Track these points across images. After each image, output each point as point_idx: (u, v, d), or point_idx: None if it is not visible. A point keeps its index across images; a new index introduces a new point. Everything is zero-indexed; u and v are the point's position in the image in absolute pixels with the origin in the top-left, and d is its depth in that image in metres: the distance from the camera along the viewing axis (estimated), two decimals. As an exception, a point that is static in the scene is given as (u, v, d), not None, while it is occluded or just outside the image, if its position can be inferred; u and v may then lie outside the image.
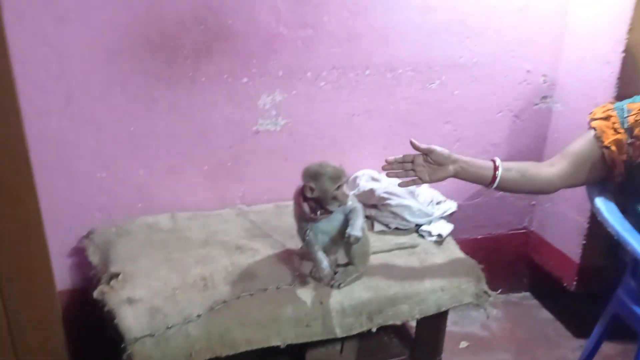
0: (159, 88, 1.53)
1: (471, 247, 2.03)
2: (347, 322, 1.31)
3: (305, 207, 1.26)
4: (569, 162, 1.39)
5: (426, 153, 1.30)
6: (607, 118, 1.40)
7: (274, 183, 1.76)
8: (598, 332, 1.59)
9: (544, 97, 1.92)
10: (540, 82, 1.90)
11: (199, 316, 1.21)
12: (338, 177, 1.24)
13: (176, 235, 1.52)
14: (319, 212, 1.26)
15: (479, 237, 2.08)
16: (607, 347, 1.81)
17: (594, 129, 1.40)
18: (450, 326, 1.93)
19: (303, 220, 1.28)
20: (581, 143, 1.40)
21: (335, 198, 1.23)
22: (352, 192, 1.63)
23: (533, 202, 2.07)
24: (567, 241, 1.92)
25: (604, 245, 1.82)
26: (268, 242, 1.50)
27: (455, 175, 1.32)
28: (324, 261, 1.29)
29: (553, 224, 2.00)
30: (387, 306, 1.34)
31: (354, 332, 1.31)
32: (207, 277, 1.34)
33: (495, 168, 1.34)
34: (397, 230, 1.58)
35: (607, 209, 1.40)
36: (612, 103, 1.44)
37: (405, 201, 1.59)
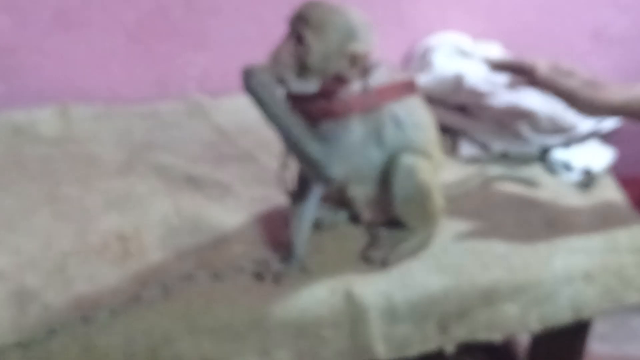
0: None
1: None
2: (400, 334, 1.28)
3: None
4: None
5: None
6: None
7: (265, 53, 1.67)
8: None
9: None
10: None
11: (112, 311, 1.20)
12: (354, 32, 1.18)
13: (70, 149, 1.57)
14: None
15: None
16: None
17: None
18: (594, 343, 1.93)
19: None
20: None
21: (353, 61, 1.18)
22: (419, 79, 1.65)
23: None
24: None
25: None
26: (250, 170, 1.54)
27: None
28: (301, 235, 1.30)
29: None
30: (477, 306, 1.31)
31: (412, 353, 1.29)
32: (129, 236, 1.35)
33: None
34: (504, 158, 1.61)
35: None
36: None
37: (522, 99, 1.59)
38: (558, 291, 1.34)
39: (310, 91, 1.20)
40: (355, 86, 1.20)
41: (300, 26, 1.17)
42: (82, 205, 1.41)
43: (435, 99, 1.63)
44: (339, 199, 1.33)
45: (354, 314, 1.25)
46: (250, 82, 1.19)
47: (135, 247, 1.33)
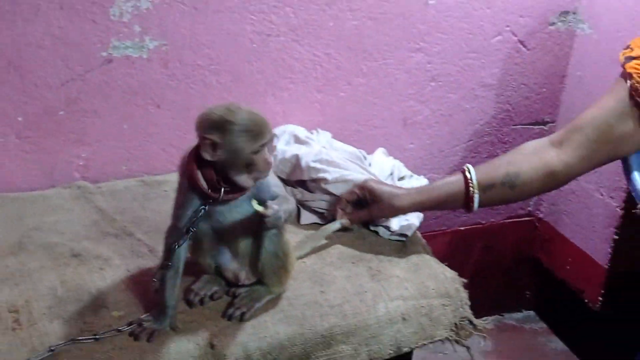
0: None
1: (450, 245, 2.13)
2: None
3: (200, 177, 1.22)
4: (585, 138, 1.42)
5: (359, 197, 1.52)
6: None
7: (137, 145, 1.74)
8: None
9: (564, 13, 1.98)
10: (558, -11, 1.95)
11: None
12: (259, 131, 1.20)
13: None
14: (222, 190, 1.22)
15: (462, 228, 2.15)
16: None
17: (630, 76, 1.40)
18: None
19: (192, 199, 1.24)
20: (605, 105, 1.42)
21: (251, 165, 1.20)
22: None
23: (543, 176, 2.13)
24: (591, 235, 2.02)
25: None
26: (126, 244, 1.51)
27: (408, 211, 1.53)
28: (171, 299, 1.28)
29: (571, 209, 2.09)
30: (318, 348, 1.33)
31: None
32: (20, 308, 1.30)
33: (468, 187, 1.46)
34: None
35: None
36: None
37: (348, 174, 1.61)
38: (382, 331, 1.38)
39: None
40: None
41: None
42: (-26, 282, 1.33)
43: (282, 176, 1.64)
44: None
45: None
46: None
47: (25, 317, 1.27)
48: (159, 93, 1.71)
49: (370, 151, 1.77)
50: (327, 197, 1.62)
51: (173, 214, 1.28)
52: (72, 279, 1.38)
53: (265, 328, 1.31)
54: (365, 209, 1.51)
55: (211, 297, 1.35)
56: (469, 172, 1.46)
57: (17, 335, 1.24)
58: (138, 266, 1.43)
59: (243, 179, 1.22)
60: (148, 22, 1.64)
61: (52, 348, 1.21)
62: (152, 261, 1.42)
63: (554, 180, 1.47)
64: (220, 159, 1.20)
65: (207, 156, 1.20)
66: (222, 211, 1.27)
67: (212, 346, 1.27)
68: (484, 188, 1.45)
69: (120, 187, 1.70)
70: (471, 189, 1.45)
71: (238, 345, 1.28)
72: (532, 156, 1.46)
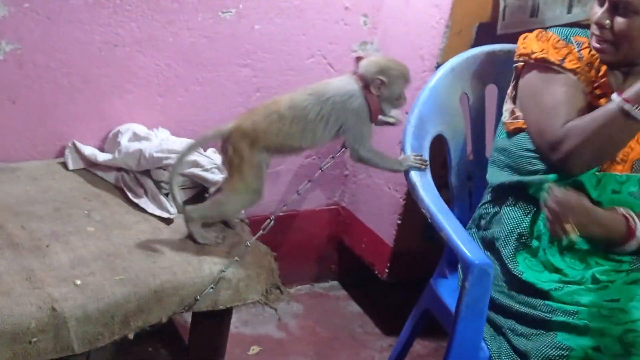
0: None
1: (272, 227, 2.14)
2: (92, 332, 1.30)
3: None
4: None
5: None
6: (557, 46, 1.53)
7: None
8: (408, 329, 1.81)
9: (364, 43, 2.08)
10: (360, 23, 2.05)
11: None
12: (408, 76, 1.52)
13: None
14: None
15: (281, 214, 2.13)
16: (419, 346, 2.08)
17: (545, 60, 1.51)
18: (240, 327, 2.06)
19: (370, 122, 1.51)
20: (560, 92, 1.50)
21: (399, 100, 1.52)
22: (111, 156, 1.68)
23: (346, 173, 2.25)
24: (381, 220, 2.14)
25: (421, 227, 2.04)
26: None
27: None
28: None
29: (366, 199, 2.20)
30: (151, 302, 1.37)
31: (102, 344, 1.32)
32: None
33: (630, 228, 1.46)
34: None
35: (423, 184, 1.56)
36: (543, 30, 1.58)
37: (191, 156, 1.64)
38: (204, 288, 1.42)
39: None
40: None
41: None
42: None
43: (126, 169, 1.67)
44: None
45: (57, 322, 1.26)
46: None
47: None
48: (14, 90, 1.67)
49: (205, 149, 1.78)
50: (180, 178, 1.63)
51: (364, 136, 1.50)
52: None
53: (103, 291, 1.33)
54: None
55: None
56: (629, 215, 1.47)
57: None
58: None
59: (389, 110, 1.54)
60: (4, 28, 1.59)
61: None
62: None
63: None
64: (382, 94, 1.48)
65: (375, 91, 1.47)
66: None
67: (53, 309, 1.26)
68: None
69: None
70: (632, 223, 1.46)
71: (78, 308, 1.29)
72: None
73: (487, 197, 1.64)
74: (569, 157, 1.41)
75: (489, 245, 1.57)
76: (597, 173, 1.47)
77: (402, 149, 1.60)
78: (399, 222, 2.07)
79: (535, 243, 1.51)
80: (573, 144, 1.40)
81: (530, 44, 1.55)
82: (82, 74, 1.72)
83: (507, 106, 1.61)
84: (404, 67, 1.53)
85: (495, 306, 1.48)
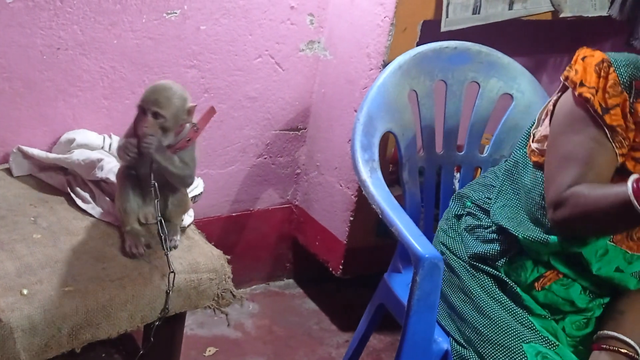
0: None
1: (224, 227, 2.16)
2: (39, 344, 1.26)
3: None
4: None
5: None
6: (610, 91, 1.29)
7: None
8: (364, 325, 1.79)
9: (311, 42, 2.07)
10: (306, 22, 2.03)
11: None
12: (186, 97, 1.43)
13: None
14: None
15: (234, 214, 2.18)
16: (375, 341, 2.08)
17: (586, 100, 1.29)
18: (195, 329, 2.03)
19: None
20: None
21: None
22: (63, 155, 1.66)
23: (298, 171, 2.23)
24: (334, 218, 2.13)
25: (373, 223, 2.04)
26: None
27: None
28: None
29: (319, 197, 2.19)
30: (99, 316, 1.34)
31: (49, 357, 1.29)
32: None
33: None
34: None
35: (373, 181, 1.56)
36: (607, 60, 1.31)
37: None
38: (155, 300, 1.40)
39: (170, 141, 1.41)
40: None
41: (152, 106, 1.36)
42: None
43: (78, 175, 1.63)
44: None
45: (2, 334, 1.22)
46: (155, 148, 1.37)
47: None
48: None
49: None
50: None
51: None
52: None
53: (50, 301, 1.29)
54: None
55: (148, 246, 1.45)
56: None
57: None
58: None
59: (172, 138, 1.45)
60: (-61, 32, 1.52)
61: None
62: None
63: None
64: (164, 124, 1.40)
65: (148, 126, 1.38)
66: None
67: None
68: None
69: None
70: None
71: (24, 318, 1.25)
72: None
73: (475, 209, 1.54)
74: (561, 223, 1.29)
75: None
76: (608, 242, 1.34)
77: (352, 147, 1.59)
78: (352, 218, 2.06)
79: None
80: (569, 213, 1.26)
81: (584, 71, 1.32)
82: (23, 78, 1.66)
83: (542, 126, 1.42)
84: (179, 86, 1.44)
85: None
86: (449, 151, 1.79)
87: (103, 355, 1.59)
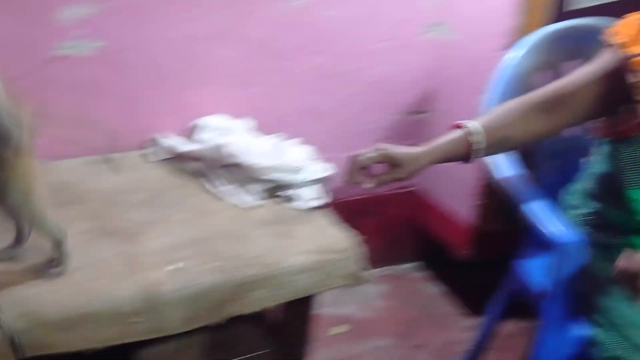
0: None
1: (349, 210, 2.14)
2: (187, 316, 1.31)
3: None
4: (571, 110, 1.30)
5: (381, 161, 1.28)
6: None
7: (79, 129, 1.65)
8: (495, 310, 1.75)
9: (434, 24, 2.03)
10: (430, 4, 2.00)
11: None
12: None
13: None
14: None
15: (359, 198, 2.18)
16: (507, 325, 2.01)
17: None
18: (327, 307, 2.04)
19: None
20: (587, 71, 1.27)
21: None
22: (194, 146, 1.70)
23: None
24: (461, 201, 2.08)
25: (502, 206, 1.97)
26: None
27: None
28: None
29: (443, 180, 2.15)
30: (241, 293, 1.36)
31: (196, 327, 1.33)
32: None
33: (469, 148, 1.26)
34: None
35: (505, 164, 1.51)
36: None
37: (255, 161, 1.63)
38: (292, 279, 1.42)
39: None
40: None
41: None
42: None
43: (209, 163, 1.66)
44: None
45: (153, 306, 1.27)
46: None
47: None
48: (100, 85, 1.68)
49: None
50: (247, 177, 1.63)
51: None
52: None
53: (198, 276, 1.32)
54: (380, 171, 1.30)
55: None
56: (471, 136, 1.27)
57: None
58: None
59: None
60: (91, 26, 1.61)
61: None
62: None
63: (538, 142, 1.42)
64: None
65: None
66: None
67: (150, 292, 1.27)
68: (483, 150, 1.29)
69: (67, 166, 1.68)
70: (472, 150, 1.27)
71: (174, 292, 1.29)
72: (524, 124, 1.31)
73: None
74: None
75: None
76: None
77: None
78: (480, 202, 2.01)
79: None
80: None
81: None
82: (164, 68, 1.73)
83: None
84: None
85: None
86: (580, 133, 1.70)
87: (239, 329, 1.62)
